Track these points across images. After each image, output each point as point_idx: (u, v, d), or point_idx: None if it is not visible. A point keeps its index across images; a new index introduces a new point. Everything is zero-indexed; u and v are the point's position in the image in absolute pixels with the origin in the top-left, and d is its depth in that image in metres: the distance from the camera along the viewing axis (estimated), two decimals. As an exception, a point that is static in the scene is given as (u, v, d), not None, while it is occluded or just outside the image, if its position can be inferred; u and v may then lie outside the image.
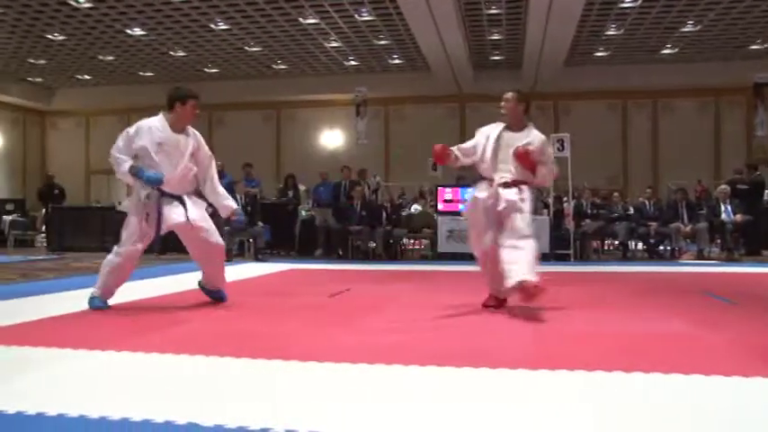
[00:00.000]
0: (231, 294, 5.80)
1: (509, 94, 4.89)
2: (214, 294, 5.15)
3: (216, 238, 4.92)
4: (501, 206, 4.56)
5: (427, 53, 15.70)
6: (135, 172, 4.63)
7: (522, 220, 4.55)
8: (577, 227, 10.52)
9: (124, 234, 4.73)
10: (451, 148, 4.88)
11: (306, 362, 2.99)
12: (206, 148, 4.97)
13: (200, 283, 5.21)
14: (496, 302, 4.84)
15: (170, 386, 2.63)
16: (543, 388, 2.59)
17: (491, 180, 4.69)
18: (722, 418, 2.23)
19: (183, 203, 4.75)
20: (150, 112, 4.60)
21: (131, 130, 4.74)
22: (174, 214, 4.69)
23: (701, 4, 13.17)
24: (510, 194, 4.58)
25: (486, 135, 4.81)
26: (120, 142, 4.74)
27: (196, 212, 4.80)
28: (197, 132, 4.91)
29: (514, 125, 4.82)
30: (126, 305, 4.99)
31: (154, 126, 4.71)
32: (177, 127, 4.75)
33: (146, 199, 4.67)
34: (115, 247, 4.76)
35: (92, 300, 4.74)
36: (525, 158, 4.62)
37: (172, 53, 16.82)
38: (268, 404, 2.39)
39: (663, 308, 4.85)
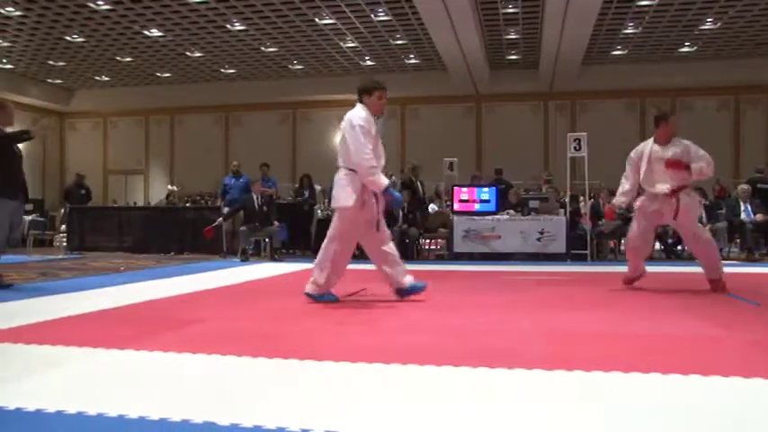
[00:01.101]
0: (247, 294, 5.84)
1: (673, 118, 5.90)
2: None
3: None
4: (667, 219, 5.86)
5: (443, 53, 15.67)
6: (388, 189, 4.82)
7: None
8: (594, 226, 10.44)
9: (347, 235, 5.01)
10: (614, 202, 6.16)
11: (322, 361, 3.00)
12: None
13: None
14: (631, 282, 6.14)
15: (187, 385, 2.64)
16: (560, 389, 2.57)
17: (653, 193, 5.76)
18: (740, 420, 2.21)
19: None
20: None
21: (364, 124, 4.87)
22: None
23: (721, 1, 13.03)
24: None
25: (639, 157, 5.86)
26: (367, 145, 4.81)
27: None
28: None
29: (662, 141, 5.81)
30: (143, 305, 5.03)
31: (367, 117, 4.91)
32: (374, 116, 5.01)
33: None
34: (337, 246, 5.02)
35: (326, 296, 5.13)
36: (674, 165, 5.63)
37: (189, 54, 16.94)
38: (284, 403, 2.39)
39: (683, 309, 4.80)
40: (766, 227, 10.37)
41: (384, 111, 5.12)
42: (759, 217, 10.26)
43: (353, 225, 4.98)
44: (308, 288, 5.13)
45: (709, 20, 14.18)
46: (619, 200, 6.05)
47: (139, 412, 2.22)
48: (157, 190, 20.95)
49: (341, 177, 4.97)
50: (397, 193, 4.79)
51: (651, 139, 5.90)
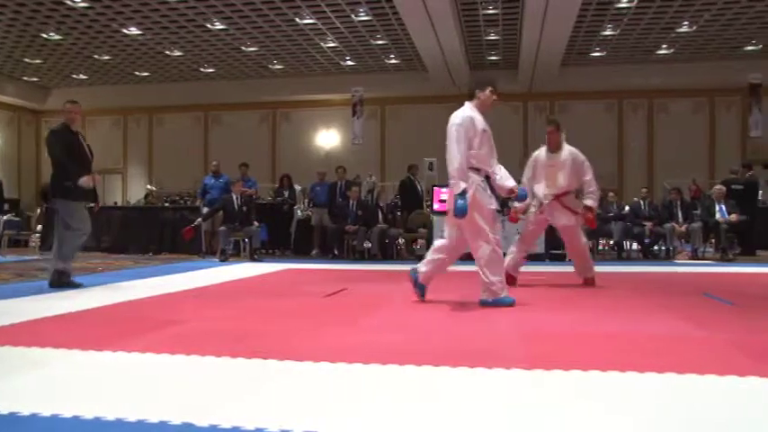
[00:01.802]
0: (226, 295, 5.82)
1: (550, 127, 6.30)
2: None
3: None
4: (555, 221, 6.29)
5: (424, 53, 15.70)
6: (462, 195, 4.70)
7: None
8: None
9: (488, 228, 4.89)
10: (515, 205, 6.40)
11: (301, 362, 2.99)
12: None
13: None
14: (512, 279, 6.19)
15: (165, 386, 2.63)
16: (539, 387, 2.59)
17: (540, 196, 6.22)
18: (715, 417, 2.24)
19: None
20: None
21: (463, 122, 4.85)
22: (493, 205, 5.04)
23: (697, 4, 13.19)
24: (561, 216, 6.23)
25: (534, 165, 6.33)
26: (461, 142, 4.80)
27: None
28: None
29: (552, 148, 6.26)
30: (121, 305, 4.99)
31: (472, 116, 4.94)
32: (483, 113, 5.04)
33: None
34: (486, 243, 4.89)
35: (503, 299, 4.88)
36: (591, 222, 6.31)
37: (168, 53, 16.80)
38: (263, 404, 2.39)
39: (660, 308, 4.85)
40: (740, 227, 10.52)
41: (489, 107, 5.15)
42: (733, 217, 10.41)
43: (477, 222, 4.91)
44: (484, 296, 4.93)
45: (685, 23, 14.35)
46: (521, 204, 6.36)
47: (116, 414, 2.20)
48: (136, 190, 20.74)
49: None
50: (461, 202, 4.70)
51: (544, 146, 6.34)
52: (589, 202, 6.16)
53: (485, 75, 5.39)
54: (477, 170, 4.89)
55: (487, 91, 5.07)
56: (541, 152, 6.31)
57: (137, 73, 18.91)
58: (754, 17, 13.91)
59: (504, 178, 5.09)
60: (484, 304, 4.88)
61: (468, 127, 4.85)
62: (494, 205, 4.98)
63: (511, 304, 4.85)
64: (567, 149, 6.21)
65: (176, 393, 2.52)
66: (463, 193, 4.69)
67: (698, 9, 13.45)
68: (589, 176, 6.18)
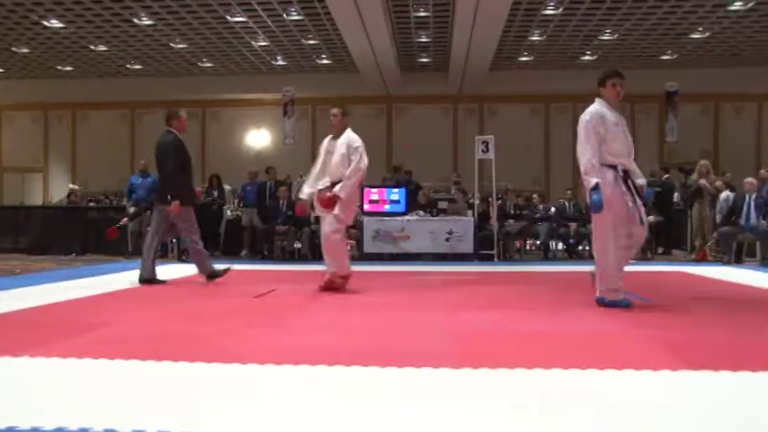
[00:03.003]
0: (153, 296, 5.69)
1: (335, 110, 5.98)
2: None
3: None
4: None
5: (355, 54, 15.73)
6: (594, 190, 4.64)
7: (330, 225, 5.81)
8: (501, 227, 10.75)
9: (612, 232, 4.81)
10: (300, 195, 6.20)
11: (229, 364, 2.95)
12: None
13: None
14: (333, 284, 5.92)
15: (87, 392, 2.54)
16: (466, 386, 2.64)
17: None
18: (633, 410, 2.34)
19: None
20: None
21: (592, 118, 4.81)
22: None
23: (618, 14, 13.73)
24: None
25: (323, 150, 6.02)
26: (590, 138, 4.74)
27: None
28: None
29: (335, 135, 5.95)
30: (40, 309, 4.79)
31: (601, 111, 4.87)
32: (613, 107, 5.00)
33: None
34: (615, 242, 4.82)
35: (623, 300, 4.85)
36: (326, 204, 5.74)
37: (92, 47, 16.25)
38: (190, 408, 2.35)
39: (583, 306, 4.99)
40: (658, 228, 10.98)
41: (619, 97, 5.04)
42: (651, 218, 10.83)
43: (605, 220, 4.83)
44: (603, 294, 4.92)
45: (607, 31, 14.91)
46: (305, 191, 6.08)
47: (32, 423, 2.12)
48: (58, 189, 19.96)
49: None
50: (595, 197, 4.63)
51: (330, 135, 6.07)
52: (336, 189, 5.70)
53: (605, 69, 5.35)
54: (613, 166, 4.82)
55: (608, 85, 5.03)
56: (328, 138, 6.02)
57: (59, 67, 18.21)
58: (669, 28, 14.60)
59: (636, 176, 5.00)
60: (600, 302, 4.92)
61: (597, 122, 4.81)
62: (629, 202, 4.82)
63: (628, 306, 4.84)
64: (346, 135, 5.86)
65: (99, 399, 2.44)
66: (596, 188, 4.65)
67: (619, 18, 14.00)
68: (353, 166, 5.74)
